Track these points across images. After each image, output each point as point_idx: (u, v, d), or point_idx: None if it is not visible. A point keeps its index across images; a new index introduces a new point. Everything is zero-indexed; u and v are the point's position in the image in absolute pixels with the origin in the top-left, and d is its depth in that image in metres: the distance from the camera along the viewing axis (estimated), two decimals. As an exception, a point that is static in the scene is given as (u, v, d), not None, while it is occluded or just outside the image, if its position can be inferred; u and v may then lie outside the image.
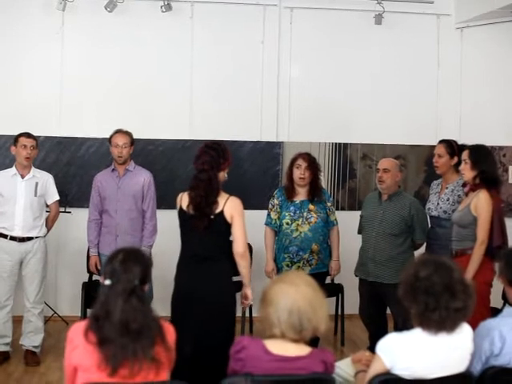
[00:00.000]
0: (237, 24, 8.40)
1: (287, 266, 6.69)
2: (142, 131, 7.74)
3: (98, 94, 8.17)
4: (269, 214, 6.87)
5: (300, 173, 6.65)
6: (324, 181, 8.34)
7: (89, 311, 6.72)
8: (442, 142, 6.73)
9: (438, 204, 6.63)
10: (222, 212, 5.14)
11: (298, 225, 6.66)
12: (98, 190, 6.99)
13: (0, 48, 8.05)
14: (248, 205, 8.17)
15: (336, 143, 8.59)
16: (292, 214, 6.69)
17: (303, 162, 6.67)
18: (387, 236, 6.57)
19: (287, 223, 6.70)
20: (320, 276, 6.41)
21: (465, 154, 5.87)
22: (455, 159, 6.54)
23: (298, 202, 6.71)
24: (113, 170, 7.03)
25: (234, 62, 8.42)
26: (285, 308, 3.26)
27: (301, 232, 6.65)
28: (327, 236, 6.79)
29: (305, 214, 6.67)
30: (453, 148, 6.59)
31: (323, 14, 8.51)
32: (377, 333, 6.50)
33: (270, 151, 8.45)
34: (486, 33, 8.51)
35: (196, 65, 8.33)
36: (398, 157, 8.26)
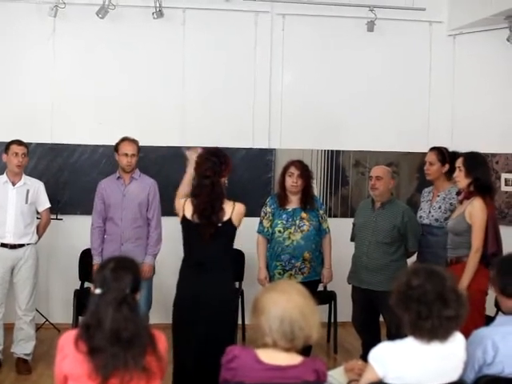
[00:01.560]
0: (229, 30, 8.39)
1: (279, 274, 6.66)
2: (135, 138, 7.72)
3: (90, 101, 8.15)
4: (261, 222, 6.83)
5: (292, 181, 6.64)
6: (316, 188, 8.34)
7: (81, 318, 6.69)
8: (432, 149, 6.74)
9: (429, 212, 6.63)
10: (230, 219, 5.21)
11: (290, 233, 6.63)
12: (103, 197, 6.92)
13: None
14: (240, 212, 8.24)
15: (328, 150, 8.58)
16: (284, 222, 6.67)
17: (295, 169, 6.65)
18: (380, 244, 6.56)
19: (279, 231, 6.67)
20: (312, 284, 6.40)
21: (459, 161, 5.87)
22: (446, 166, 6.55)
23: (290, 209, 6.69)
24: (118, 177, 6.98)
25: (226, 68, 8.41)
26: (276, 316, 3.24)
27: (293, 240, 6.62)
28: (319, 244, 6.77)
29: (297, 221, 6.65)
30: (444, 155, 6.61)
31: (315, 21, 8.50)
32: (369, 340, 6.50)
33: (262, 158, 8.44)
34: (478, 40, 8.50)
35: (188, 71, 8.32)
36: (390, 164, 8.25)
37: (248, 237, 7.82)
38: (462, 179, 5.82)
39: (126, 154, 6.81)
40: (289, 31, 8.50)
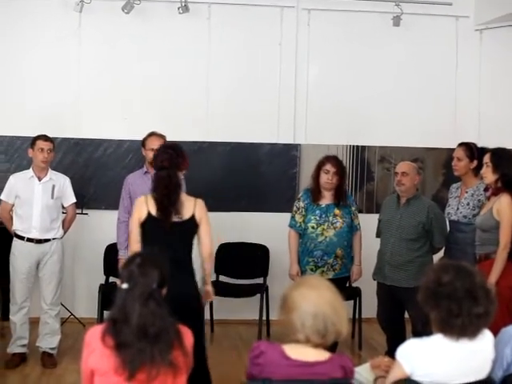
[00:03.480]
0: (254, 25, 8.37)
1: (311, 270, 6.64)
2: (161, 133, 7.74)
3: (115, 96, 8.16)
4: (293, 217, 6.78)
5: (328, 178, 6.60)
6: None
7: (105, 313, 6.72)
8: (461, 145, 6.68)
9: (457, 209, 6.57)
10: (193, 216, 5.16)
11: (323, 229, 6.61)
12: (129, 192, 6.88)
13: (17, 49, 8.05)
14: (265, 207, 8.27)
15: (353, 146, 8.55)
16: (318, 218, 6.64)
17: (332, 167, 6.61)
18: (405, 240, 6.53)
19: (312, 227, 6.64)
20: (342, 280, 6.40)
21: (486, 157, 5.82)
22: (474, 163, 6.49)
23: (323, 205, 6.66)
24: (145, 172, 6.95)
25: (251, 63, 8.39)
26: (309, 312, 3.22)
27: (326, 236, 6.60)
28: (351, 241, 6.75)
29: (330, 218, 6.62)
30: (472, 151, 6.54)
31: (341, 16, 8.47)
32: (394, 337, 6.49)
33: (287, 153, 8.42)
34: (505, 34, 8.42)
35: (213, 66, 8.30)
36: (415, 160, 8.21)
37: (273, 232, 7.88)
38: (489, 175, 5.77)
39: (153, 149, 6.77)
40: (314, 26, 8.46)
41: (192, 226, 5.17)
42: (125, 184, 6.97)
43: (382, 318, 6.89)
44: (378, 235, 6.93)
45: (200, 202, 5.23)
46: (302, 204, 6.74)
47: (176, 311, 4.99)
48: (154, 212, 5.15)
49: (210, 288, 5.43)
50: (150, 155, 6.80)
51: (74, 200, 7.01)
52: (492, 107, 8.53)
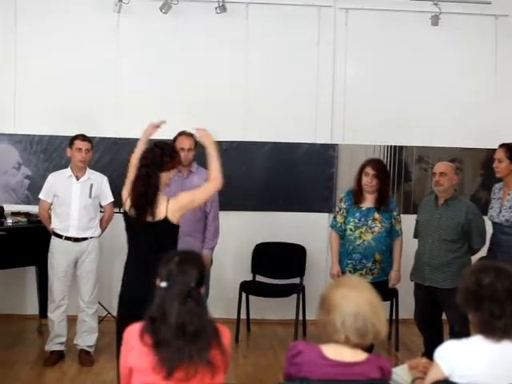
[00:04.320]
0: (292, 25, 8.36)
1: (350, 272, 6.66)
2: (190, 132, 7.76)
3: (153, 95, 8.19)
4: (335, 217, 6.85)
5: (367, 180, 6.61)
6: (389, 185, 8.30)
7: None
8: (501, 146, 6.60)
9: (499, 212, 6.50)
10: (166, 217, 4.99)
11: (361, 232, 6.62)
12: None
13: (55, 49, 8.13)
14: (302, 207, 8.27)
15: (391, 146, 8.51)
16: (356, 221, 6.65)
17: (371, 170, 6.61)
18: (443, 241, 6.48)
19: (351, 229, 6.66)
20: (381, 284, 6.36)
21: None
22: None
23: (364, 208, 6.66)
24: (178, 171, 6.96)
25: (288, 63, 8.38)
26: (350, 312, 3.21)
27: (364, 240, 6.61)
28: (390, 245, 6.73)
29: (369, 222, 6.62)
30: None
31: (378, 15, 8.44)
32: (432, 338, 6.45)
33: (324, 153, 8.40)
34: (545, 33, 8.35)
35: (251, 66, 8.32)
36: (453, 160, 8.16)
37: (309, 232, 7.89)
38: None
39: (183, 149, 6.79)
40: (352, 26, 8.44)
41: (165, 227, 5.01)
42: None
43: (419, 318, 6.85)
44: (415, 236, 6.90)
45: (172, 200, 5.04)
46: (343, 205, 6.76)
47: (132, 312, 4.95)
48: (128, 209, 5.12)
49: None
50: (180, 155, 6.82)
51: (112, 199, 7.04)
52: (532, 107, 8.45)
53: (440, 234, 6.50)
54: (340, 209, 6.79)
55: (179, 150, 6.75)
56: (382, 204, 6.65)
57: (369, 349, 3.44)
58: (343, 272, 6.68)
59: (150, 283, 4.88)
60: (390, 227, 6.68)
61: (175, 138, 6.91)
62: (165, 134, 7.68)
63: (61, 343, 6.86)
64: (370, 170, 6.61)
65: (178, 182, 6.88)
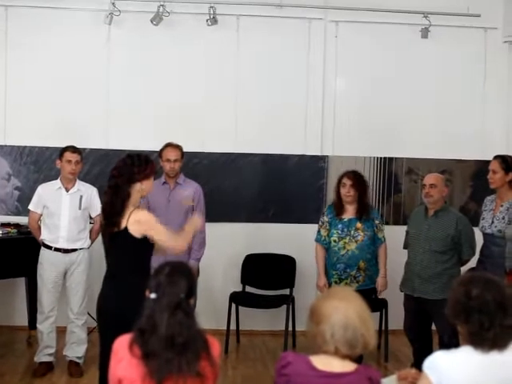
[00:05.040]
0: (282, 37, 8.38)
1: (335, 282, 6.81)
2: (187, 144, 7.76)
3: (144, 107, 8.21)
4: (319, 231, 6.99)
5: (345, 191, 6.78)
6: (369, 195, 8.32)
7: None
8: (496, 157, 6.59)
9: (492, 222, 6.50)
10: (126, 228, 4.87)
11: (345, 243, 6.77)
12: (147, 202, 6.82)
13: (46, 61, 8.12)
14: (292, 219, 8.28)
15: (381, 157, 8.53)
16: (340, 232, 6.80)
17: (348, 180, 6.78)
18: (433, 253, 6.50)
19: (335, 241, 6.81)
20: (367, 292, 6.41)
21: None
22: (510, 175, 6.41)
23: (346, 219, 6.82)
24: (164, 182, 7.00)
25: (279, 75, 8.40)
26: (339, 324, 3.21)
27: (348, 250, 6.75)
28: (375, 253, 6.82)
29: (352, 232, 6.77)
30: (508, 163, 6.44)
31: (369, 28, 8.46)
32: (421, 349, 6.46)
33: (314, 165, 8.42)
34: (534, 46, 8.40)
35: (241, 78, 8.33)
36: (443, 171, 8.18)
37: (299, 243, 7.89)
38: None
39: (169, 160, 6.84)
40: (342, 38, 8.46)
41: (125, 238, 4.89)
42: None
43: (409, 329, 6.86)
44: (405, 247, 6.92)
45: (135, 213, 4.90)
46: (326, 219, 6.94)
47: (100, 323, 4.94)
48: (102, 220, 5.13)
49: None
50: (166, 166, 6.87)
51: (98, 212, 7.04)
52: (521, 119, 8.48)
53: (430, 245, 6.52)
54: (323, 222, 6.96)
55: (165, 161, 6.81)
56: (362, 214, 6.80)
57: (358, 359, 3.44)
58: (330, 283, 6.79)
59: (115, 294, 4.95)
60: (373, 235, 6.80)
61: (161, 150, 6.94)
62: (155, 145, 7.76)
63: (50, 354, 6.84)
64: (346, 181, 6.77)
65: (165, 193, 6.92)
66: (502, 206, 6.47)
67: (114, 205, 4.93)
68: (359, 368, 3.31)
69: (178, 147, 6.94)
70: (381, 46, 8.52)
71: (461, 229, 6.49)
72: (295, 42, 8.43)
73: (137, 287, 3.99)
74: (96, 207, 6.98)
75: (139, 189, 5.01)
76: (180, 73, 8.29)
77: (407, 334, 6.91)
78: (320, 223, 7.01)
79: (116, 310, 4.81)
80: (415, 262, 6.65)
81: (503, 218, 6.41)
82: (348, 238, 6.76)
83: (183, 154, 6.99)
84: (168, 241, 4.98)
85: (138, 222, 4.87)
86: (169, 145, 6.95)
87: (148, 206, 6.84)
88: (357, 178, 6.82)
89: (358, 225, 6.77)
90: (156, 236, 4.92)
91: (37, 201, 6.87)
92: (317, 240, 7.00)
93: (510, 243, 5.79)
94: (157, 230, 4.94)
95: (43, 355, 6.84)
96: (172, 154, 6.87)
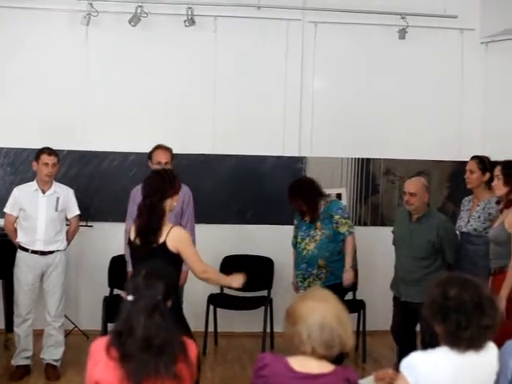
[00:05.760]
0: (260, 38, 8.38)
1: (301, 282, 6.87)
2: (165, 144, 7.76)
3: (122, 108, 8.17)
4: (294, 235, 7.09)
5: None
6: (346, 196, 8.34)
7: (110, 325, 6.72)
8: (473, 157, 6.67)
9: (468, 221, 6.55)
10: (164, 242, 5.07)
11: (305, 243, 6.85)
12: (135, 203, 6.80)
13: (23, 62, 8.08)
14: (270, 220, 8.27)
15: (359, 158, 8.55)
16: (302, 234, 6.90)
17: (288, 193, 6.84)
18: (413, 258, 6.53)
19: (299, 242, 6.92)
20: (334, 287, 6.41)
21: (497, 170, 5.83)
22: (487, 175, 6.46)
23: (308, 221, 6.87)
24: None
25: (257, 76, 8.40)
26: (316, 324, 3.21)
27: (308, 250, 6.82)
28: (337, 249, 6.79)
29: (311, 232, 6.83)
30: (484, 164, 6.52)
31: (347, 29, 8.48)
32: (406, 349, 6.46)
33: (292, 166, 8.41)
34: (510, 47, 8.39)
35: (219, 79, 8.32)
36: (420, 172, 8.22)
37: (277, 244, 7.88)
38: (500, 188, 5.78)
39: (160, 163, 6.75)
40: (320, 39, 8.47)
41: (163, 252, 5.05)
42: (132, 196, 6.86)
43: (395, 330, 6.87)
44: (394, 243, 6.93)
45: (175, 230, 5.15)
46: (295, 221, 7.08)
47: None
48: (132, 237, 5.23)
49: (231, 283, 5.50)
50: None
51: (78, 212, 7.01)
52: (497, 120, 8.49)
53: (411, 251, 6.54)
54: (295, 226, 7.09)
55: (156, 163, 6.72)
56: (312, 218, 6.81)
57: (339, 359, 3.44)
58: (297, 283, 6.91)
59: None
60: (333, 232, 6.77)
61: (152, 152, 6.87)
62: (133, 146, 7.73)
63: (27, 357, 6.79)
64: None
65: None
66: (478, 205, 6.52)
67: (152, 223, 5.10)
68: (337, 369, 3.31)
69: (169, 149, 6.88)
70: (359, 46, 8.54)
71: (442, 234, 6.49)
72: (273, 43, 8.43)
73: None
74: (72, 208, 6.95)
75: (170, 204, 5.23)
76: (158, 74, 8.27)
77: (393, 335, 6.91)
78: (293, 227, 7.13)
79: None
80: (399, 266, 6.74)
81: (479, 217, 6.46)
82: (308, 238, 6.81)
83: (173, 155, 6.93)
84: (195, 262, 5.19)
85: (178, 238, 5.10)
86: (159, 147, 6.88)
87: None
88: (292, 192, 6.86)
89: (318, 224, 6.79)
90: (188, 254, 5.14)
91: (13, 203, 6.81)
92: (291, 244, 7.11)
93: (493, 244, 5.80)
94: (191, 249, 5.18)
95: (20, 358, 6.79)
96: (163, 157, 6.78)
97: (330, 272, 6.77)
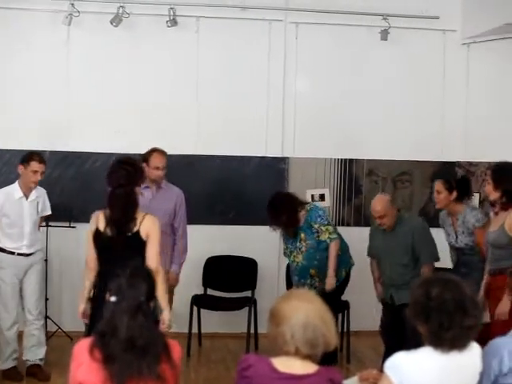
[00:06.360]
0: (242, 39, 8.38)
1: None
2: (148, 146, 7.72)
3: (104, 109, 8.14)
4: (285, 247, 7.28)
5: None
6: (329, 197, 8.35)
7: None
8: (439, 179, 6.81)
9: (456, 237, 6.64)
10: (138, 231, 5.10)
11: (294, 256, 6.99)
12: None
13: (5, 62, 8.03)
14: (253, 220, 8.26)
15: (341, 159, 8.56)
16: (290, 246, 7.05)
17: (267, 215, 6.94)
18: (398, 265, 6.70)
19: (288, 255, 7.08)
20: (328, 294, 6.43)
21: (488, 175, 5.90)
22: (454, 194, 6.61)
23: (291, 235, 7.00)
24: (145, 186, 6.62)
25: (239, 77, 8.39)
26: (299, 323, 3.21)
27: (298, 262, 6.98)
28: (324, 256, 6.85)
29: (297, 244, 6.96)
30: (450, 184, 6.66)
31: (329, 30, 8.49)
32: (392, 349, 6.49)
33: (275, 166, 8.42)
34: (492, 48, 8.42)
35: (202, 79, 8.31)
36: (403, 173, 8.28)
37: (261, 245, 7.88)
38: (491, 193, 5.81)
39: (158, 167, 6.71)
40: (302, 40, 8.48)
41: (136, 241, 5.10)
42: None
43: (384, 330, 6.94)
44: (369, 254, 7.00)
45: (149, 218, 5.18)
46: (283, 232, 7.15)
47: None
48: (101, 227, 5.16)
49: (164, 316, 5.12)
50: (154, 173, 6.70)
51: (50, 212, 6.97)
52: (478, 120, 8.52)
53: (393, 258, 6.68)
54: (282, 237, 7.22)
55: (153, 168, 6.67)
56: (293, 231, 6.93)
57: (332, 357, 3.42)
58: None
59: None
60: (316, 242, 6.85)
61: (148, 155, 6.77)
62: (116, 147, 7.69)
63: (15, 358, 6.74)
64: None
65: (144, 197, 6.73)
66: (457, 219, 6.59)
67: (128, 212, 5.12)
68: (320, 369, 3.31)
69: (164, 153, 6.82)
70: (341, 47, 8.54)
71: (417, 238, 6.63)
72: (255, 44, 8.42)
73: None
74: (47, 209, 6.91)
75: (138, 192, 5.28)
76: (140, 74, 8.25)
77: (382, 335, 6.95)
78: (282, 238, 7.26)
79: None
80: (386, 274, 6.84)
81: (463, 233, 6.59)
82: (296, 250, 6.96)
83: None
84: (156, 255, 5.17)
85: (152, 224, 5.16)
86: (156, 150, 6.81)
87: None
88: (270, 213, 6.93)
89: (302, 235, 6.91)
90: (154, 243, 5.15)
91: None
92: (284, 255, 7.31)
93: (491, 247, 5.84)
94: (158, 239, 5.19)
95: (12, 360, 6.71)
96: (160, 161, 6.74)
97: (322, 279, 6.88)
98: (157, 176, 6.74)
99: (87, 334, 5.20)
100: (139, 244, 5.10)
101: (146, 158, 6.79)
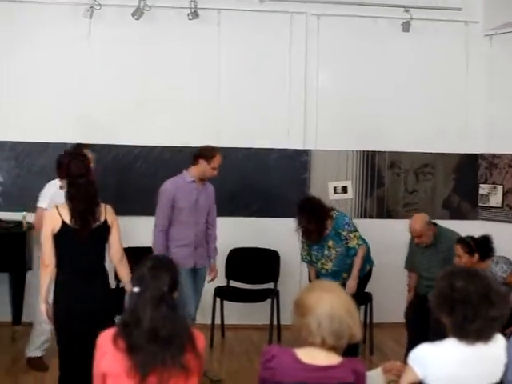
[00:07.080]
0: (264, 31, 8.37)
1: None
2: (171, 139, 7.77)
3: (124, 102, 8.14)
4: (301, 252, 7.12)
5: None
6: (352, 189, 8.34)
7: (117, 317, 6.70)
8: (458, 241, 6.53)
9: None
10: (106, 220, 5.07)
11: (322, 263, 6.89)
12: (173, 200, 6.61)
13: (27, 55, 8.05)
14: (276, 212, 8.26)
15: (364, 151, 8.54)
16: (316, 253, 6.92)
17: (297, 218, 6.77)
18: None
19: (314, 261, 6.96)
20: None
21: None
22: (476, 256, 6.39)
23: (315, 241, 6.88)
24: (192, 181, 6.72)
25: (261, 69, 8.38)
26: (326, 314, 3.20)
27: (327, 269, 6.87)
28: (353, 260, 6.83)
29: (325, 251, 6.84)
30: (470, 246, 6.41)
31: (350, 22, 8.46)
32: (416, 339, 6.49)
33: (297, 159, 8.42)
34: (515, 39, 8.40)
35: (223, 72, 8.30)
36: (425, 165, 8.25)
37: (283, 237, 7.86)
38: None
39: (215, 168, 6.71)
40: (324, 32, 8.45)
41: (104, 230, 5.08)
42: (165, 191, 6.65)
43: (408, 317, 6.93)
44: (406, 267, 7.13)
45: (109, 208, 5.14)
46: (302, 239, 6.96)
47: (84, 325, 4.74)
48: (68, 221, 4.98)
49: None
50: (211, 172, 6.70)
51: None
52: (502, 112, 8.48)
53: (433, 273, 6.51)
54: (302, 243, 7.02)
55: (213, 168, 6.68)
56: (318, 238, 6.78)
57: (354, 349, 3.42)
58: None
59: (103, 294, 5.07)
60: (345, 249, 6.79)
61: (212, 154, 6.71)
62: (137, 140, 7.68)
63: (45, 349, 6.74)
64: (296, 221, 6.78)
65: (192, 192, 6.70)
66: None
67: (93, 202, 5.03)
68: (344, 361, 3.30)
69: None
70: (362, 39, 8.52)
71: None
72: (277, 36, 8.41)
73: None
74: None
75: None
76: (161, 67, 8.25)
77: (406, 322, 6.99)
78: (300, 244, 7.06)
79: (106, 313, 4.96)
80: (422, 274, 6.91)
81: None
82: (324, 258, 6.84)
83: None
84: (120, 243, 5.19)
85: (112, 214, 5.13)
86: (218, 151, 6.78)
87: (171, 205, 6.62)
88: (304, 210, 6.79)
89: (330, 243, 6.80)
90: (118, 232, 5.16)
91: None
92: (302, 260, 7.17)
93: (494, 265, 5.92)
94: (118, 225, 5.20)
95: (41, 350, 6.73)
96: (220, 163, 6.75)
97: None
98: (213, 175, 6.74)
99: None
100: (108, 233, 5.08)
101: (205, 155, 6.71)
